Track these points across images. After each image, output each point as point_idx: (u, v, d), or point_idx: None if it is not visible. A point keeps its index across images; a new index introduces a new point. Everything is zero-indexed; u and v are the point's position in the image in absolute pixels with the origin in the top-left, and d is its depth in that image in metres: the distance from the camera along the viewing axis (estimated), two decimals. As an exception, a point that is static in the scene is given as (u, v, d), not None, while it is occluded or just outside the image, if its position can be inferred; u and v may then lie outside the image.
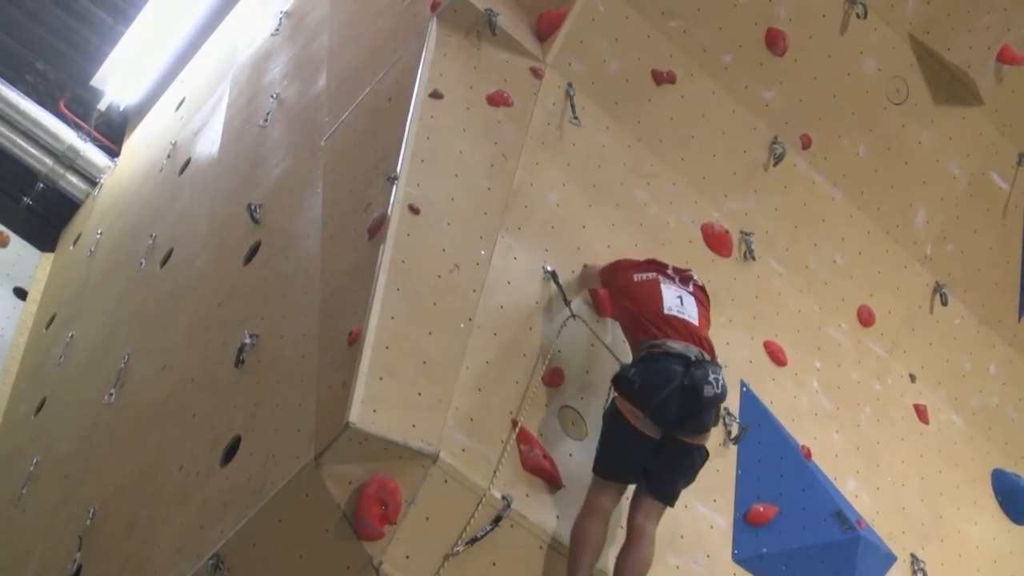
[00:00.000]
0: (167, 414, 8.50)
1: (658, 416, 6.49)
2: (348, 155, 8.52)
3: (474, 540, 6.27)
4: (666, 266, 7.24)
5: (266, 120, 10.28)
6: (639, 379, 6.56)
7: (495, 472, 6.46)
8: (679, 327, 6.79)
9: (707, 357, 6.70)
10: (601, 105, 8.63)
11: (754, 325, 8.53)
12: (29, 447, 10.87)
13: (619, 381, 6.71)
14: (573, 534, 6.50)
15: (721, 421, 7.70)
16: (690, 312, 6.94)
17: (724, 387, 6.59)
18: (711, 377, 6.50)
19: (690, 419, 6.54)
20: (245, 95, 11.39)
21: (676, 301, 6.96)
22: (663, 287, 7.04)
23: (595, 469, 6.64)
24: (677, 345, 6.66)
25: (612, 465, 6.60)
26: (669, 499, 6.65)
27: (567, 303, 7.37)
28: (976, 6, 9.43)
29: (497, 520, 6.35)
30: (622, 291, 7.18)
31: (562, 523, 6.59)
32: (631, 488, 6.67)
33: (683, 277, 7.20)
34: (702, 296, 7.21)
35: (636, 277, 7.15)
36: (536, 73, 8.41)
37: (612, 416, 6.67)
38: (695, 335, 6.79)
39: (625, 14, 8.73)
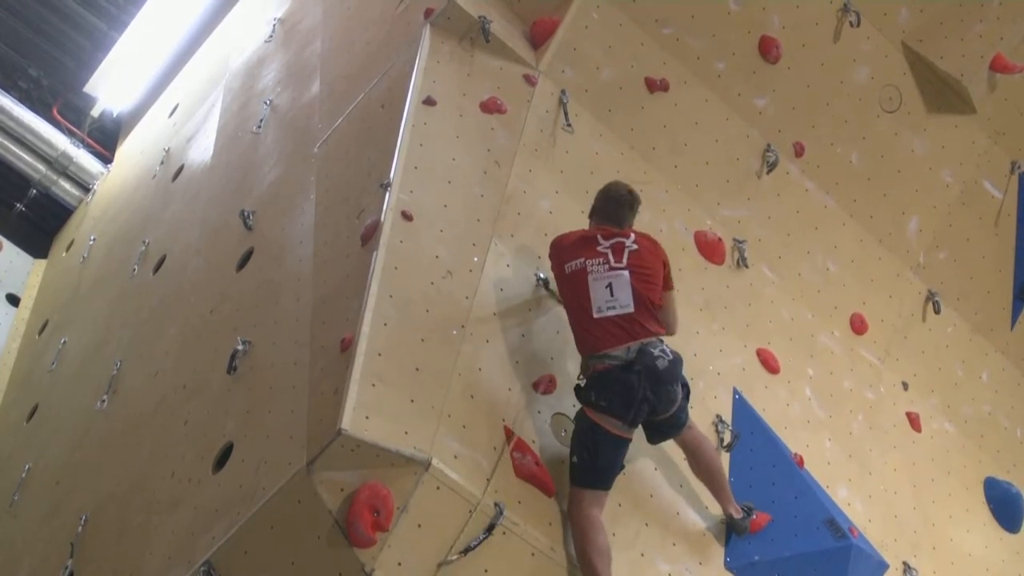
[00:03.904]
0: (159, 421, 8.48)
1: (635, 421, 6.73)
2: (341, 162, 8.51)
3: (468, 549, 6.26)
4: (596, 240, 6.98)
5: (259, 127, 10.28)
6: (604, 400, 6.68)
7: (488, 481, 6.45)
8: (613, 329, 6.74)
9: (643, 342, 6.71)
10: (594, 112, 8.64)
11: (747, 333, 8.53)
12: (20, 454, 10.85)
13: (582, 398, 6.81)
14: (583, 552, 6.53)
15: (713, 428, 7.73)
16: (622, 300, 6.78)
17: (673, 353, 6.75)
18: (657, 352, 6.68)
19: (660, 403, 6.74)
20: (238, 101, 11.38)
21: (605, 295, 6.79)
22: (591, 279, 6.84)
23: (582, 483, 6.68)
24: (619, 352, 6.71)
25: (600, 476, 6.69)
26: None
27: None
28: (969, 15, 9.47)
29: (490, 528, 6.34)
30: (557, 281, 7.15)
31: (554, 530, 6.59)
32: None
33: (616, 248, 6.95)
34: (641, 259, 6.93)
35: (567, 268, 6.98)
36: (529, 80, 8.42)
37: (588, 428, 6.73)
38: (629, 330, 6.74)
39: (619, 21, 8.74)
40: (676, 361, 6.75)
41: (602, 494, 6.67)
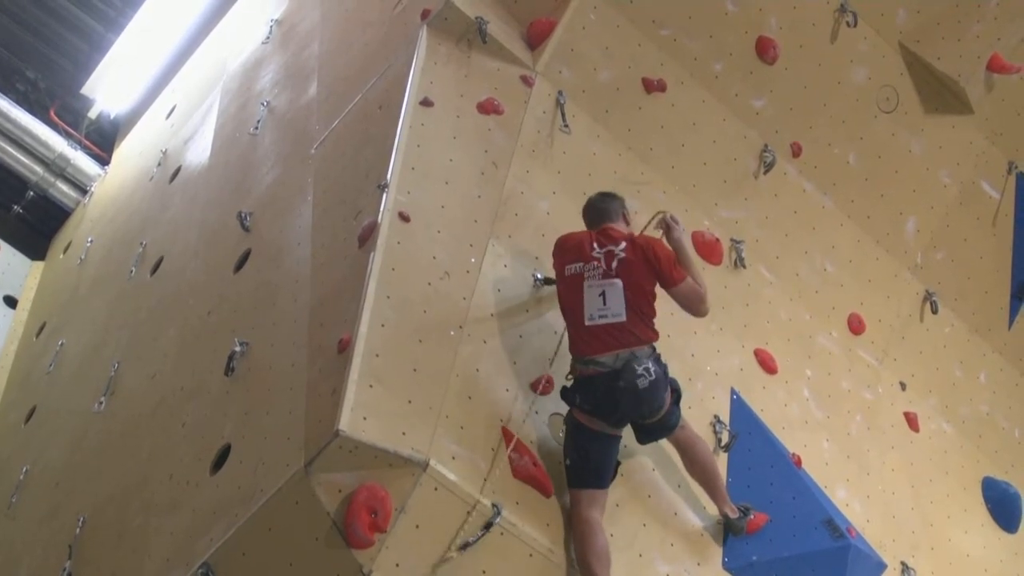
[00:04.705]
0: (157, 422, 8.48)
1: (620, 423, 6.78)
2: (338, 163, 8.51)
3: (466, 545, 6.26)
4: (591, 245, 6.95)
5: (257, 128, 10.28)
6: (588, 404, 6.73)
7: (485, 480, 6.45)
8: (603, 337, 6.74)
9: (634, 351, 6.71)
10: (592, 113, 8.64)
11: (744, 333, 8.54)
12: (19, 456, 10.83)
13: (568, 399, 6.84)
14: (582, 555, 6.54)
15: (711, 428, 7.73)
16: (615, 309, 6.77)
17: (656, 370, 6.70)
18: (639, 371, 6.64)
19: (644, 410, 6.76)
20: (236, 103, 11.38)
21: (598, 303, 6.78)
22: (586, 286, 6.84)
23: (578, 484, 6.71)
24: (606, 359, 6.71)
25: (594, 475, 6.72)
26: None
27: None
28: (966, 16, 9.46)
29: (488, 526, 6.34)
30: (557, 280, 7.14)
31: (552, 530, 6.59)
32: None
33: (607, 257, 6.89)
34: (630, 267, 6.86)
35: (567, 271, 6.98)
36: (527, 81, 8.42)
37: (576, 429, 6.79)
38: (619, 338, 6.73)
39: (616, 22, 8.74)
40: (658, 381, 6.70)
41: (600, 494, 6.69)
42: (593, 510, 6.63)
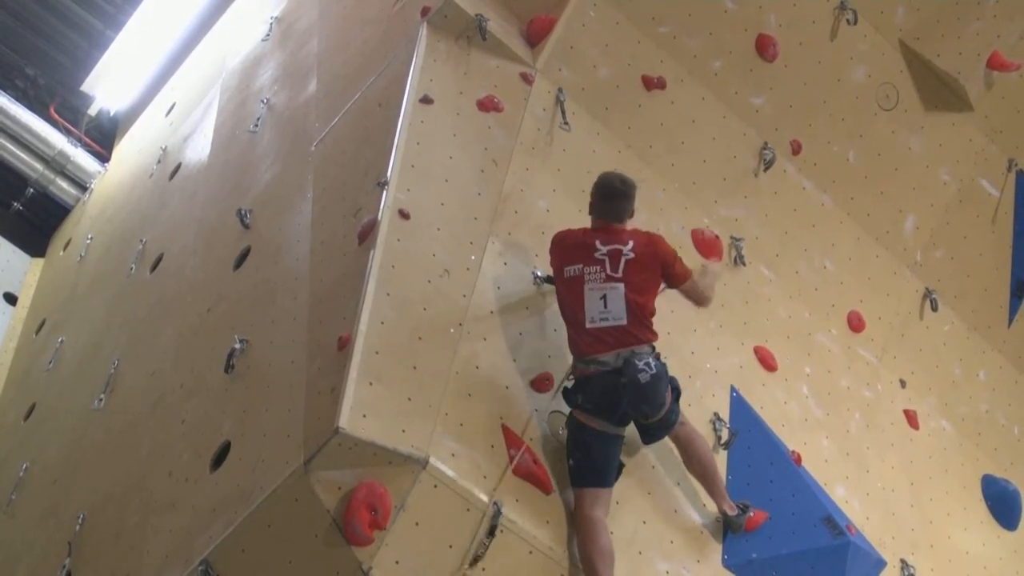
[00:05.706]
0: (156, 420, 8.48)
1: (622, 422, 6.78)
2: (338, 160, 8.51)
3: (476, 559, 6.27)
4: (594, 246, 6.91)
5: (256, 126, 10.27)
6: (590, 403, 6.74)
7: (485, 477, 6.46)
8: (604, 338, 6.76)
9: (634, 349, 6.73)
10: (591, 111, 8.63)
11: (744, 331, 8.53)
12: (18, 453, 10.84)
13: (570, 400, 6.85)
14: (585, 553, 6.54)
15: (711, 426, 7.73)
16: (615, 312, 6.77)
17: (657, 364, 6.71)
18: (640, 365, 6.64)
19: (645, 407, 6.74)
20: (235, 101, 11.38)
21: (599, 306, 6.78)
22: (586, 289, 6.83)
23: (581, 483, 6.71)
24: (608, 358, 6.74)
25: (597, 474, 6.72)
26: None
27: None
28: (966, 13, 9.47)
29: (492, 531, 6.33)
30: (556, 279, 7.13)
31: (552, 528, 6.59)
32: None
33: (613, 256, 6.89)
34: (638, 267, 6.87)
35: (565, 272, 6.96)
36: (526, 79, 8.41)
37: (578, 429, 6.79)
38: (620, 338, 6.75)
39: (615, 20, 8.73)
40: (659, 375, 6.69)
41: (603, 492, 6.69)
42: (596, 509, 6.63)
